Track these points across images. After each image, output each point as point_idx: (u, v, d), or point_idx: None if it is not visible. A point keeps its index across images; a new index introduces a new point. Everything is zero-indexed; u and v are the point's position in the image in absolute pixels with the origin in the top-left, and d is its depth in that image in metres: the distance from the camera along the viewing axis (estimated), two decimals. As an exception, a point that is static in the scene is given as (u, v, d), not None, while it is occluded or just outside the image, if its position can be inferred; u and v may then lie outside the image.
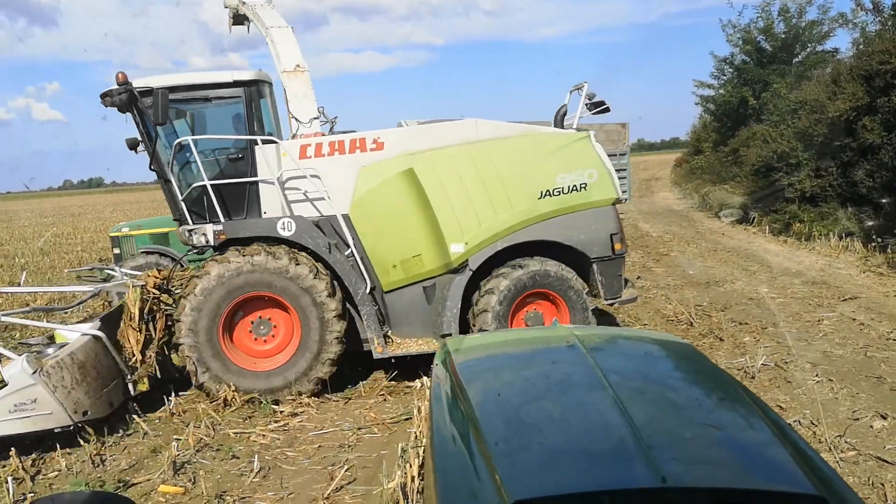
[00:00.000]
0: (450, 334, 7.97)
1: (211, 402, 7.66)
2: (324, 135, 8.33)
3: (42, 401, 6.61)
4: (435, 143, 8.14)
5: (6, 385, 6.62)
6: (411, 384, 8.10)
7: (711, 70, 34.32)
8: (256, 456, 6.39)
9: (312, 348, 7.78)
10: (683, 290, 12.52)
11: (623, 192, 8.82)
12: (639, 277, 13.93)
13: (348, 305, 8.09)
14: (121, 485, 5.98)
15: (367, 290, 8.02)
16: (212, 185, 7.88)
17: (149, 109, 7.62)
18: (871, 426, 6.27)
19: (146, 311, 7.87)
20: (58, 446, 6.83)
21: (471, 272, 8.02)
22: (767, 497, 2.15)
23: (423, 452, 3.14)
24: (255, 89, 8.20)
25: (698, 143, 39.40)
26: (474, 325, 8.07)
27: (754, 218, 20.73)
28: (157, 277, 8.15)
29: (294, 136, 8.25)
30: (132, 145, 8.46)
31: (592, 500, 2.06)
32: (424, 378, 7.85)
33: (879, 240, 14.18)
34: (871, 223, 15.28)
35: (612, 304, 8.49)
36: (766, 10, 29.61)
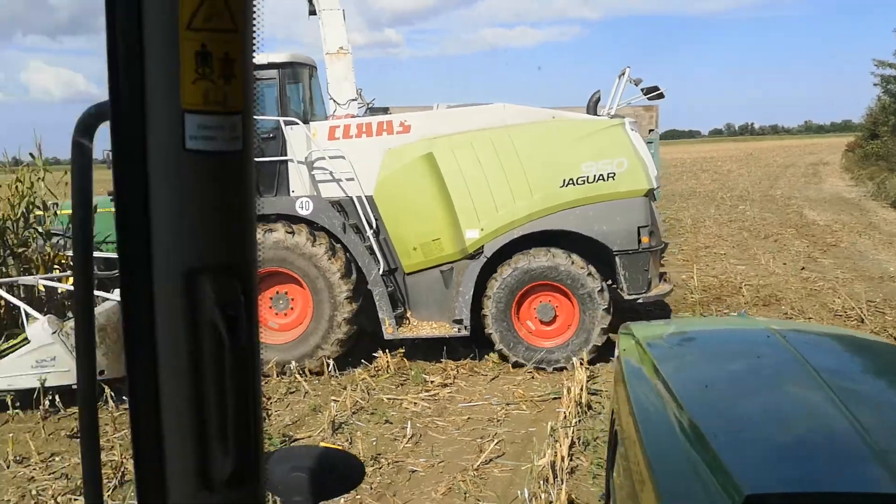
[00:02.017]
0: (461, 320, 7.97)
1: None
2: (354, 116, 8.45)
3: (60, 359, 7.09)
4: (461, 126, 8.02)
5: (29, 342, 7.20)
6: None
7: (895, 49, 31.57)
8: (409, 422, 6.61)
9: (323, 327, 7.97)
10: (853, 283, 11.68)
11: None
12: (803, 268, 13.14)
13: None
14: (286, 439, 6.38)
15: (381, 272, 8.03)
16: None
17: None
18: None
19: None
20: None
21: (485, 259, 7.94)
22: None
23: (618, 440, 3.10)
24: (289, 71, 8.39)
25: (875, 127, 36.50)
26: (483, 315, 8.00)
27: (938, 209, 19.00)
28: None
29: (330, 117, 8.47)
30: None
31: (828, 501, 1.97)
32: (574, 359, 7.81)
33: None
34: None
35: (636, 301, 8.02)
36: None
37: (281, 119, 8.21)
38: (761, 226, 19.05)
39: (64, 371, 7.14)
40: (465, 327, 8.06)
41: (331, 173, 8.28)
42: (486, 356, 8.36)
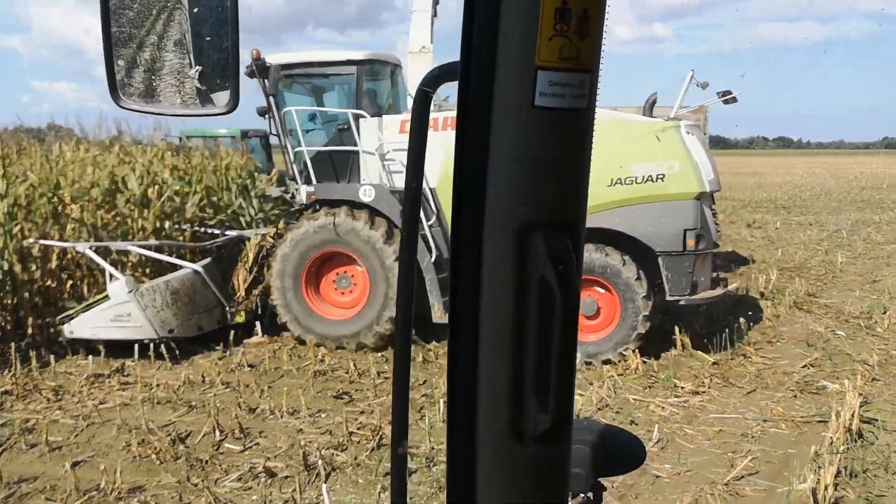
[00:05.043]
0: None
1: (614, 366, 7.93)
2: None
3: (135, 316, 8.06)
4: None
5: (109, 299, 8.18)
6: (827, 384, 7.45)
7: None
8: (656, 426, 6.44)
9: (377, 305, 8.52)
10: None
11: None
12: None
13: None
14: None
15: (433, 260, 8.40)
16: (308, 152, 8.97)
17: (266, 82, 8.91)
18: None
19: (261, 256, 9.30)
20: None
21: None
22: None
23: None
24: (367, 68, 9.06)
25: None
26: None
27: None
28: (278, 229, 9.40)
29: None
30: (261, 112, 9.64)
31: None
32: (846, 381, 7.15)
33: None
34: None
35: (678, 302, 8.03)
36: None
37: (350, 112, 8.80)
38: None
39: (137, 326, 8.19)
40: None
41: (401, 164, 8.75)
42: (742, 366, 7.94)
